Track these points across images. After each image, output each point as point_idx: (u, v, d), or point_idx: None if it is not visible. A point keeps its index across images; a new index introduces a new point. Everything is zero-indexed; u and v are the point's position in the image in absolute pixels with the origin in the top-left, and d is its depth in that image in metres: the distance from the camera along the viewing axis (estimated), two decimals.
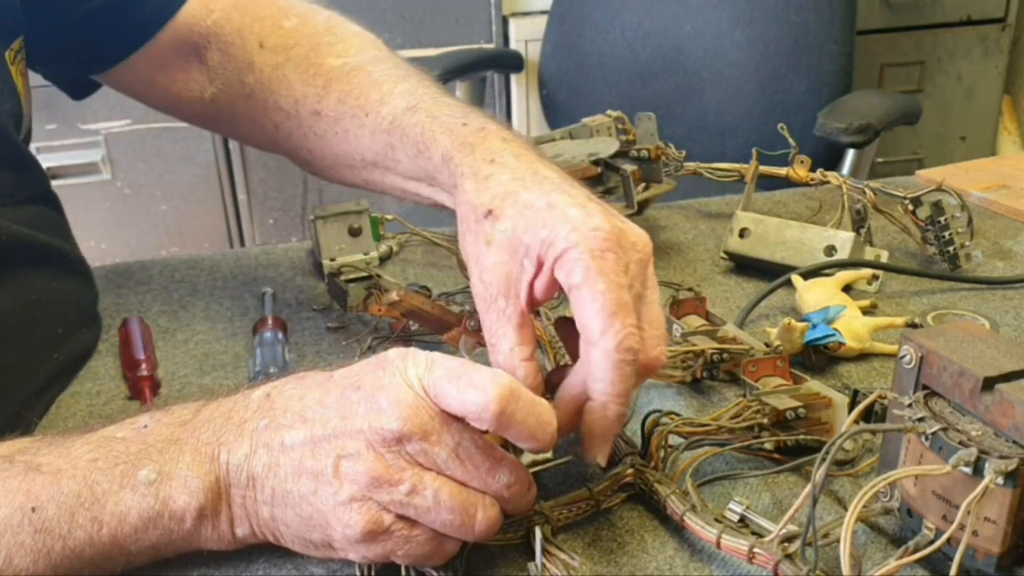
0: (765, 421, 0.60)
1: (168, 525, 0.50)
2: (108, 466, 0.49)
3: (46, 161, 1.87)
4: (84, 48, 0.78)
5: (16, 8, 0.72)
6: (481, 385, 0.48)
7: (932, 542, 0.48)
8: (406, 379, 0.49)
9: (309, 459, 0.49)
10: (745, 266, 0.90)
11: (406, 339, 0.74)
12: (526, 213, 0.55)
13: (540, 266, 0.54)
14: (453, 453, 0.48)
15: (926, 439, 0.49)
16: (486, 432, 0.50)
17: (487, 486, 0.50)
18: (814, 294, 0.79)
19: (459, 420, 0.49)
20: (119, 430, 0.52)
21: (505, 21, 2.17)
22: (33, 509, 0.48)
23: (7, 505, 0.47)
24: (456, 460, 0.49)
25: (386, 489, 0.48)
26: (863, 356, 0.74)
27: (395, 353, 0.50)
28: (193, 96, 0.81)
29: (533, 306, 0.56)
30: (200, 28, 0.79)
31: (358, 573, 0.51)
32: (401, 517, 0.48)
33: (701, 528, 0.52)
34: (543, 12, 1.98)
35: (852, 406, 0.60)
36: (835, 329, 0.72)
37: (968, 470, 0.46)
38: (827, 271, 0.83)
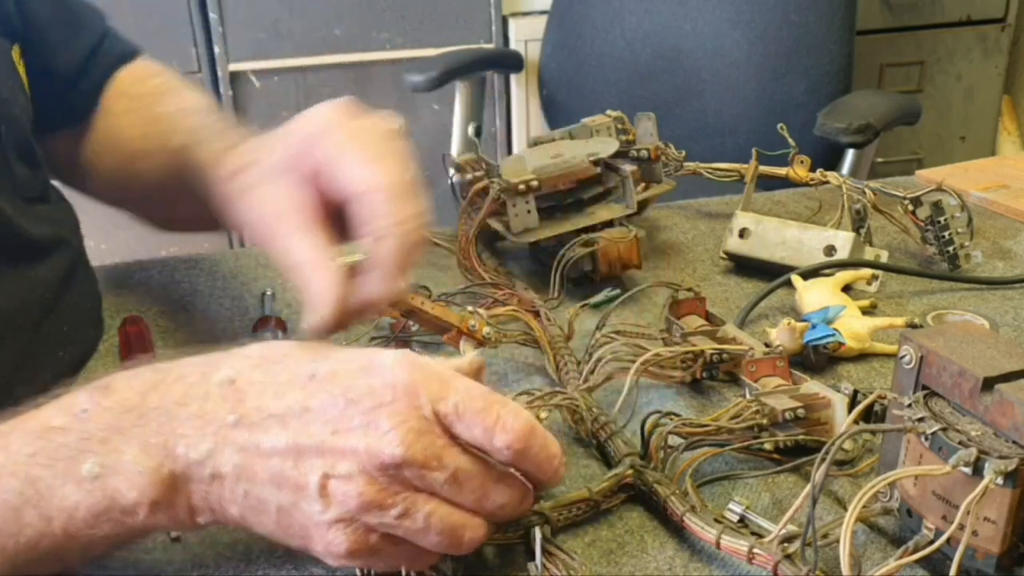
0: (765, 421, 0.60)
1: (119, 518, 0.47)
2: (48, 461, 0.46)
3: None
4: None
5: (14, 12, 0.73)
6: (507, 423, 0.47)
7: (932, 542, 0.48)
8: (414, 400, 0.46)
9: (291, 470, 0.46)
10: (745, 266, 0.90)
11: (406, 339, 0.74)
12: (275, 145, 0.61)
13: (304, 177, 0.58)
14: (452, 477, 0.47)
15: (926, 439, 0.49)
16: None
17: (480, 508, 0.48)
18: (814, 294, 0.79)
19: (471, 434, 0.47)
20: (56, 415, 0.48)
21: (505, 21, 2.17)
22: None
23: None
24: (454, 484, 0.47)
25: (376, 512, 0.46)
26: (863, 356, 0.74)
27: (394, 360, 0.48)
28: (77, 160, 0.82)
29: (324, 214, 0.59)
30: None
31: (357, 572, 0.51)
32: (387, 535, 0.47)
33: (701, 528, 0.52)
34: (543, 12, 1.98)
35: (852, 406, 0.60)
36: (835, 329, 0.72)
37: (968, 470, 0.46)
38: (827, 271, 0.83)
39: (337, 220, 0.59)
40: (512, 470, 0.50)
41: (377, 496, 0.45)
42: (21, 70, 0.73)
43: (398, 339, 0.73)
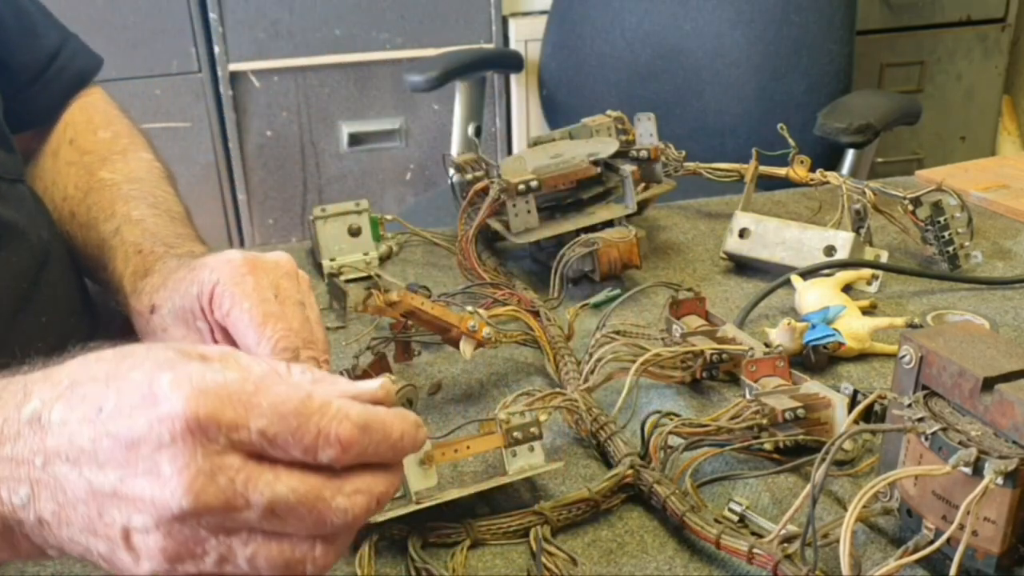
0: (765, 421, 0.60)
1: None
2: None
3: None
4: None
5: None
6: (329, 434, 0.41)
7: (932, 542, 0.48)
8: (201, 435, 0.39)
9: (96, 520, 0.41)
10: (745, 266, 0.90)
11: (406, 340, 0.74)
12: (177, 285, 0.60)
13: (205, 319, 0.59)
14: (267, 511, 0.40)
15: (926, 439, 0.49)
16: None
17: (320, 530, 0.42)
18: (814, 294, 0.79)
19: (273, 466, 0.41)
20: None
21: (505, 21, 2.17)
22: None
23: None
24: (273, 518, 0.40)
25: (190, 562, 0.41)
26: (863, 356, 0.74)
27: (171, 387, 0.40)
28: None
29: None
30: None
31: (357, 572, 0.51)
32: None
33: (701, 528, 0.52)
34: (543, 12, 1.98)
35: (852, 406, 0.60)
36: (835, 329, 0.72)
37: (968, 470, 0.46)
38: (827, 271, 0.83)
39: None
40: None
41: (182, 549, 0.40)
42: None
43: (398, 339, 0.73)
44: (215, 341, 0.59)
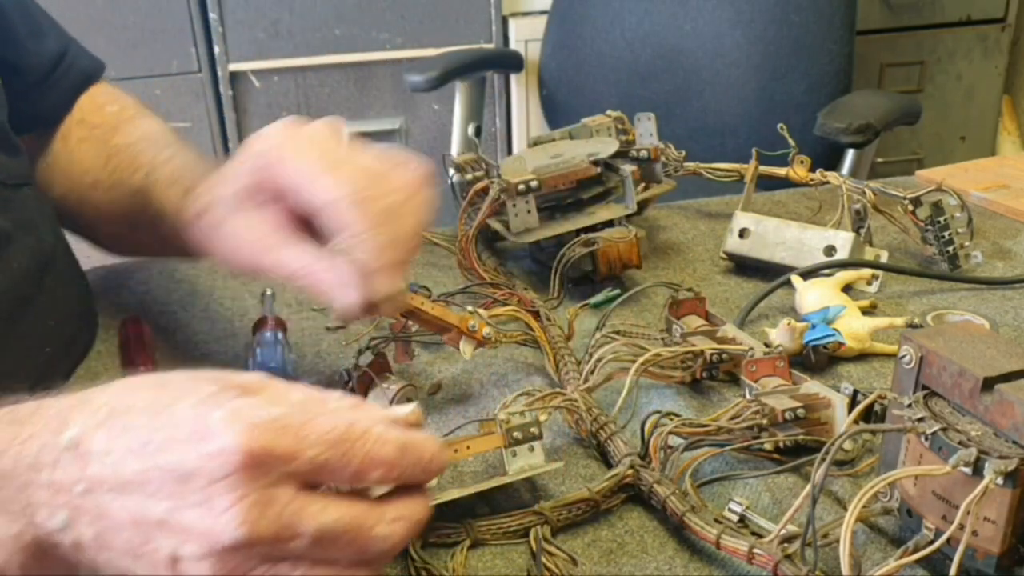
0: (765, 421, 0.60)
1: None
2: None
3: None
4: None
5: None
6: (375, 456, 0.43)
7: (932, 542, 0.48)
8: (255, 469, 0.41)
9: (141, 546, 0.42)
10: (745, 266, 0.90)
11: (406, 339, 0.74)
12: (230, 174, 0.61)
13: (267, 193, 0.59)
14: (316, 540, 0.42)
15: (926, 439, 0.49)
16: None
17: (363, 556, 0.44)
18: (814, 294, 0.79)
19: (320, 496, 0.43)
20: None
21: (505, 21, 2.17)
22: None
23: None
24: (320, 546, 0.42)
25: None
26: (863, 356, 0.74)
27: (226, 423, 0.41)
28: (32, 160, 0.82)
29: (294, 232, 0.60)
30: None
31: None
32: None
33: (701, 528, 0.52)
34: (543, 12, 1.98)
35: (852, 406, 0.60)
36: (835, 329, 0.72)
37: (968, 470, 0.46)
38: (827, 271, 0.83)
39: (310, 230, 0.60)
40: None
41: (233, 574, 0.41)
42: None
43: (398, 339, 0.73)
44: (277, 225, 0.59)
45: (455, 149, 1.90)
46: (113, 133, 0.79)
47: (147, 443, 0.42)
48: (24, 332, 0.70)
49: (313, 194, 0.57)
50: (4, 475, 0.44)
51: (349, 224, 0.56)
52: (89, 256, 0.84)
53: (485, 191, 0.83)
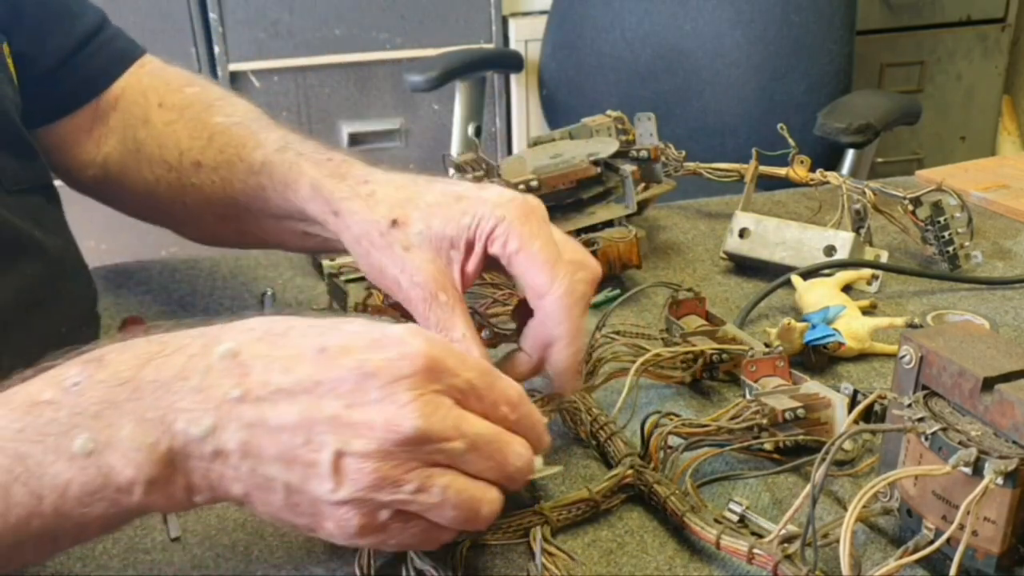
0: (765, 421, 0.60)
1: (114, 497, 0.44)
2: (38, 436, 0.44)
3: None
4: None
5: (6, 8, 0.73)
6: (509, 395, 0.49)
7: (932, 542, 0.48)
8: (431, 373, 0.45)
9: (301, 447, 0.44)
10: (745, 266, 0.90)
11: None
12: (436, 211, 0.60)
13: (469, 250, 0.59)
14: (471, 445, 0.46)
15: (926, 439, 0.49)
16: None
17: (501, 473, 0.48)
18: (814, 294, 0.79)
19: (481, 407, 0.47)
20: (45, 389, 0.46)
21: (505, 21, 2.17)
22: None
23: None
24: (473, 452, 0.46)
25: (390, 489, 0.45)
26: (863, 356, 0.74)
27: (409, 333, 0.47)
28: (88, 159, 0.82)
29: (463, 290, 0.61)
30: (116, 91, 0.81)
31: (357, 572, 0.51)
32: (401, 512, 0.46)
33: (701, 528, 0.52)
34: (543, 12, 1.98)
35: (852, 406, 0.60)
36: (835, 329, 0.72)
37: (968, 470, 0.46)
38: (827, 271, 0.83)
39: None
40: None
41: (392, 472, 0.44)
42: (10, 63, 0.73)
43: None
44: (463, 273, 0.60)
45: (455, 149, 1.90)
46: (207, 112, 0.77)
47: (322, 350, 0.46)
48: (35, 336, 0.70)
49: (536, 282, 0.58)
50: (144, 385, 0.45)
51: (560, 322, 0.58)
52: (90, 257, 0.84)
53: None
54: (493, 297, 0.78)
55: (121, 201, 0.84)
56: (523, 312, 0.62)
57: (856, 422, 0.53)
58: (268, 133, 0.72)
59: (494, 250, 0.59)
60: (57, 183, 0.81)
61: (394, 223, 0.61)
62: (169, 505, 0.46)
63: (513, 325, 0.74)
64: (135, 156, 0.79)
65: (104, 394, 0.45)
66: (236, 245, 0.83)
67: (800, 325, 0.71)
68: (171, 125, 0.78)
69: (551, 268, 0.57)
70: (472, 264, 0.60)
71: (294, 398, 0.45)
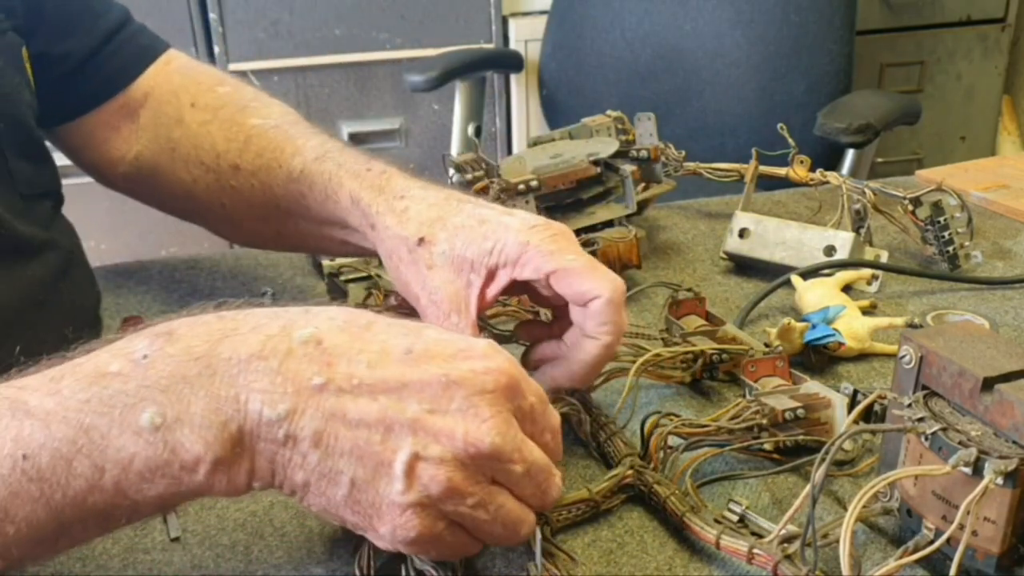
0: (765, 421, 0.60)
1: (178, 474, 0.43)
2: (104, 408, 0.43)
3: None
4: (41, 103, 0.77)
5: (19, 3, 0.73)
6: (553, 423, 0.51)
7: (932, 542, 0.48)
8: (510, 392, 0.47)
9: (378, 444, 0.44)
10: (745, 266, 0.90)
11: None
12: (460, 233, 0.61)
13: (491, 276, 0.61)
14: (527, 470, 0.47)
15: (926, 439, 0.49)
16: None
17: (542, 501, 0.49)
18: (814, 294, 0.79)
19: (531, 430, 0.49)
20: (113, 360, 0.45)
21: (505, 21, 2.17)
22: (24, 456, 0.42)
23: None
24: (527, 477, 0.47)
25: (454, 500, 0.45)
26: (863, 356, 0.74)
27: (493, 349, 0.48)
28: (117, 156, 0.82)
29: (480, 312, 0.62)
30: (143, 88, 0.81)
31: (357, 572, 0.51)
32: (454, 523, 0.46)
33: (701, 528, 0.52)
34: (543, 12, 1.98)
35: (852, 406, 0.60)
36: (835, 329, 0.72)
37: (968, 470, 0.46)
38: (827, 271, 0.83)
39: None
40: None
41: (462, 483, 0.45)
42: (28, 67, 0.73)
43: None
44: (482, 296, 0.61)
45: (455, 149, 1.90)
46: (242, 114, 0.77)
47: (409, 351, 0.46)
48: (40, 338, 0.70)
49: (583, 290, 0.59)
50: (218, 362, 0.44)
51: (605, 321, 0.59)
52: (90, 257, 0.84)
53: (485, 191, 0.83)
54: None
55: (158, 199, 0.84)
56: (531, 331, 0.64)
57: (856, 422, 0.53)
58: (306, 139, 0.73)
59: (526, 275, 0.60)
60: (63, 184, 0.81)
61: (421, 241, 0.62)
62: (228, 488, 0.45)
63: (512, 326, 0.74)
64: (170, 156, 0.79)
65: (175, 368, 0.44)
66: (275, 247, 0.83)
67: (800, 325, 0.71)
68: (205, 126, 0.78)
69: (592, 273, 0.59)
70: (493, 289, 0.61)
71: (376, 395, 0.45)
